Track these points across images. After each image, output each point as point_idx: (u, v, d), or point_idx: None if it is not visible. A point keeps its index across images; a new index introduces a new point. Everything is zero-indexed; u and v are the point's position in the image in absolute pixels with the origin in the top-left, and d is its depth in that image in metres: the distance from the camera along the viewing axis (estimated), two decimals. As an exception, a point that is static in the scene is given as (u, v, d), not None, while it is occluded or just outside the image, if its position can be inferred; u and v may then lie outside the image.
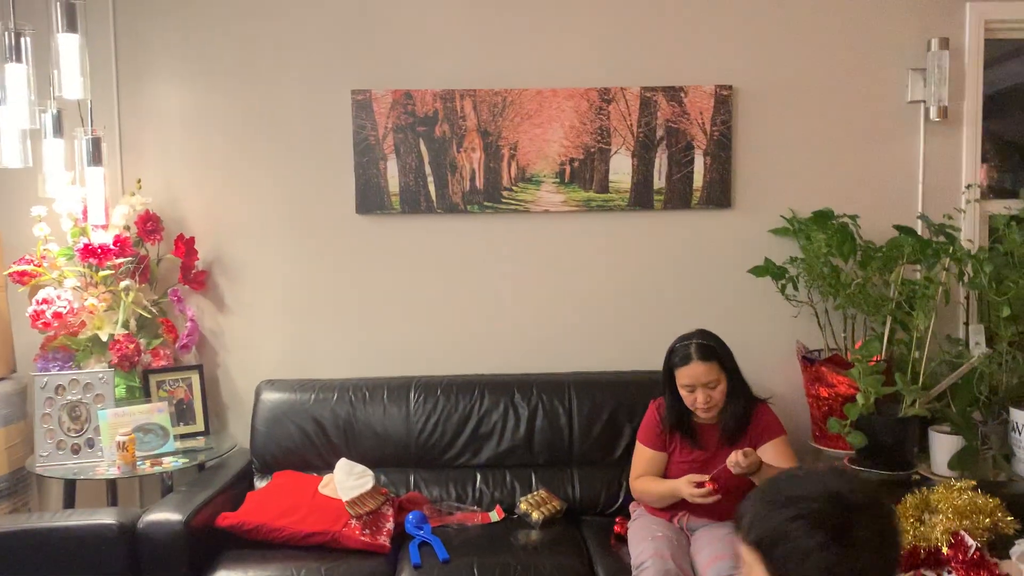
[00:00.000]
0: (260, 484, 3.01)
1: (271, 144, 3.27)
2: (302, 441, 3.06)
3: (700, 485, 2.50)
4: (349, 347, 3.32)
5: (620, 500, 3.00)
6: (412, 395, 3.13)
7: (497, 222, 3.29)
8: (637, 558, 2.52)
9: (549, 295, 3.32)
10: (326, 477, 2.89)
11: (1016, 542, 2.25)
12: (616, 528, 2.80)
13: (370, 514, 2.74)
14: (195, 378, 3.19)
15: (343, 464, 2.89)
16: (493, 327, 3.33)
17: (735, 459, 2.43)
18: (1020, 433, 2.80)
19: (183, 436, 3.10)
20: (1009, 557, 2.22)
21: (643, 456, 2.76)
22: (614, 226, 3.30)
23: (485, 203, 3.26)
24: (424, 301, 3.32)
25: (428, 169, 3.24)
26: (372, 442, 3.08)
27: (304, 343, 3.32)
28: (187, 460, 2.92)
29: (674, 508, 2.67)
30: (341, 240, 3.29)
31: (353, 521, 2.69)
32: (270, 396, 3.13)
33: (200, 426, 3.18)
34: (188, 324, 3.20)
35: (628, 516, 2.83)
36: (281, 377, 3.21)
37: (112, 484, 3.02)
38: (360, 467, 2.90)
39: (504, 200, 3.26)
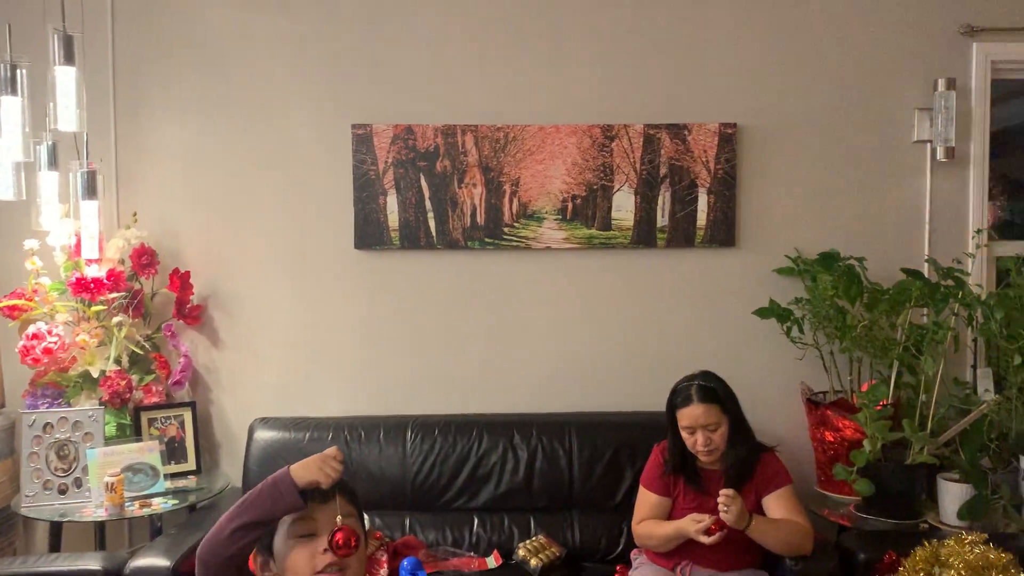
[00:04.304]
0: (252, 527, 2.93)
1: (269, 178, 3.23)
2: (296, 482, 2.98)
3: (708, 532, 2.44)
4: (345, 385, 3.25)
5: (621, 546, 2.93)
6: (409, 435, 3.06)
7: (498, 259, 3.24)
8: (639, 610, 2.45)
9: (550, 333, 3.27)
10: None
11: (1032, 603, 2.18)
12: (617, 577, 2.73)
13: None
14: (187, 415, 3.13)
15: (337, 507, 2.81)
16: (493, 366, 3.27)
17: (721, 499, 2.39)
18: (1031, 483, 2.74)
19: (174, 475, 3.03)
20: (1024, 617, 2.15)
21: (646, 501, 2.69)
22: (616, 264, 3.25)
23: (486, 239, 3.21)
24: (423, 339, 3.26)
25: (428, 204, 3.20)
26: (367, 483, 3.00)
27: (299, 380, 3.25)
28: (177, 501, 2.84)
29: (677, 556, 2.60)
30: (339, 276, 3.24)
31: (346, 568, 2.61)
32: (264, 434, 3.07)
33: (192, 465, 3.11)
34: (182, 360, 3.14)
35: (629, 564, 2.76)
36: (275, 415, 3.14)
37: (100, 526, 2.95)
38: (354, 510, 2.82)
39: (505, 236, 3.21)
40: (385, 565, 2.68)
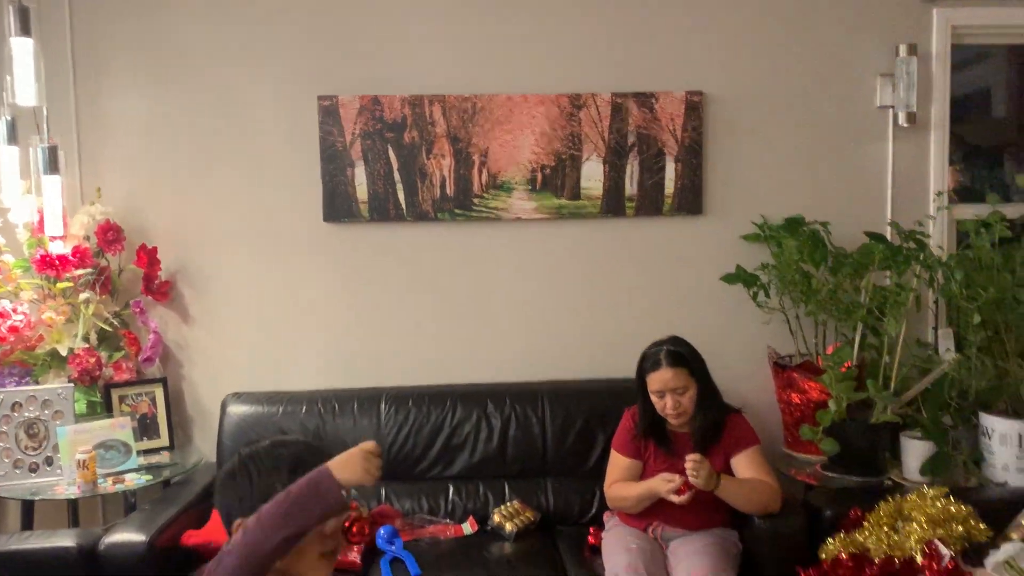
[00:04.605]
0: (227, 500, 2.93)
1: (235, 151, 3.19)
2: (270, 455, 2.99)
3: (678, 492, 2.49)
4: (318, 358, 3.25)
5: (594, 509, 2.97)
6: (383, 406, 3.08)
7: (468, 230, 3.25)
8: (611, 571, 2.50)
9: (521, 303, 3.29)
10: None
11: (991, 551, 2.26)
12: (590, 539, 2.78)
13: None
14: (159, 392, 3.11)
15: (312, 479, 2.82)
16: (466, 336, 3.29)
17: (688, 465, 2.44)
18: (990, 438, 2.82)
19: (147, 452, 3.02)
20: (983, 566, 2.23)
21: (618, 464, 2.74)
22: (586, 233, 3.28)
23: (456, 210, 3.22)
24: (394, 310, 3.26)
25: (397, 176, 3.19)
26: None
27: (271, 354, 3.25)
28: (151, 477, 2.84)
29: (649, 517, 2.65)
30: (308, 249, 3.23)
31: (323, 538, 2.63)
32: (237, 409, 3.06)
33: (165, 441, 3.10)
34: (151, 336, 3.12)
35: (602, 526, 2.81)
36: (248, 390, 3.14)
37: (73, 504, 2.93)
38: (330, 481, 2.84)
39: (475, 207, 3.22)
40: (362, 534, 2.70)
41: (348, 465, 1.46)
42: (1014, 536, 2.34)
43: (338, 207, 3.19)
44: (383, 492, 3.00)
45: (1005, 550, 2.19)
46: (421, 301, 3.27)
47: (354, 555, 2.62)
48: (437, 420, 3.07)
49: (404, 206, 3.20)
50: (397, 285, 3.26)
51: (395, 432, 3.05)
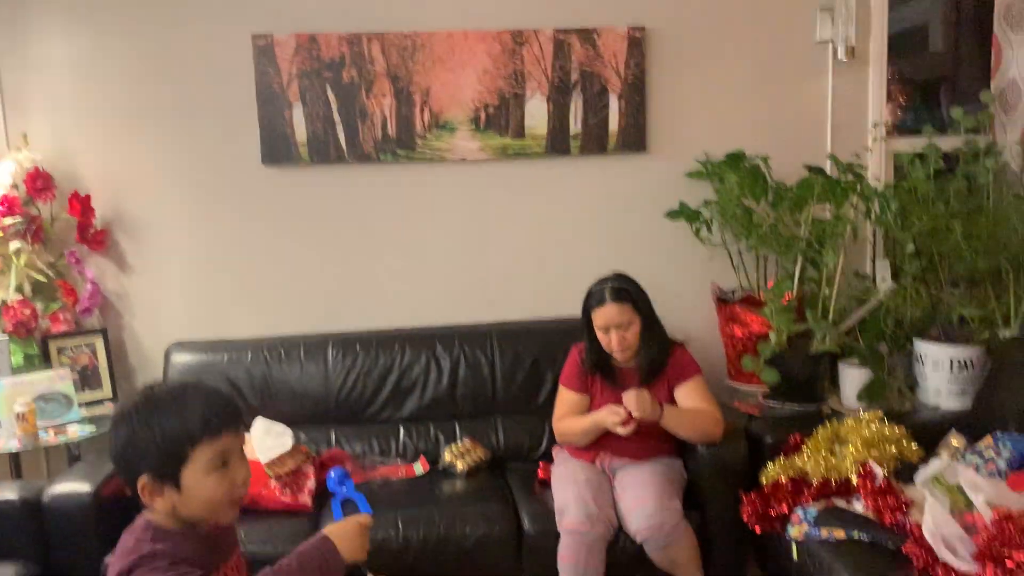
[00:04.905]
0: (174, 449, 2.91)
1: (169, 93, 3.09)
2: (217, 403, 2.96)
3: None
4: (262, 305, 3.21)
5: (544, 445, 3.02)
6: (330, 352, 3.06)
7: (411, 171, 3.21)
8: (560, 502, 2.55)
9: (467, 245, 3.28)
10: (244, 437, 2.81)
11: (920, 467, 2.35)
12: (539, 473, 2.82)
13: (290, 474, 2.68)
14: (99, 343, 3.05)
15: (261, 423, 2.81)
16: (411, 279, 3.27)
17: (629, 405, 2.51)
18: (923, 364, 2.92)
19: (89, 403, 2.97)
20: (914, 483, 2.32)
21: (566, 399, 2.78)
22: (531, 173, 3.26)
23: (398, 151, 3.17)
24: (338, 255, 3.23)
25: (337, 117, 3.12)
26: (290, 401, 3.01)
27: (214, 302, 3.20)
28: (94, 428, 2.80)
29: (596, 449, 2.70)
30: (248, 193, 3.16)
31: (273, 482, 2.63)
32: (181, 358, 3.02)
33: (108, 392, 3.05)
34: (88, 287, 3.05)
35: (552, 461, 2.85)
36: (192, 338, 3.10)
37: (15, 457, 2.88)
38: (279, 426, 2.83)
39: (418, 148, 3.17)
40: (312, 477, 2.70)
41: (348, 542, 1.55)
42: (943, 454, 2.44)
43: (277, 150, 3.12)
44: (332, 436, 3.00)
45: (933, 466, 2.28)
46: (365, 244, 3.23)
47: (305, 498, 2.63)
48: (386, 363, 3.07)
49: (345, 148, 3.14)
50: (340, 228, 3.21)
51: (343, 376, 3.04)
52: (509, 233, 3.28)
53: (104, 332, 3.07)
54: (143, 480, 1.39)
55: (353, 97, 3.12)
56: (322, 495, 2.70)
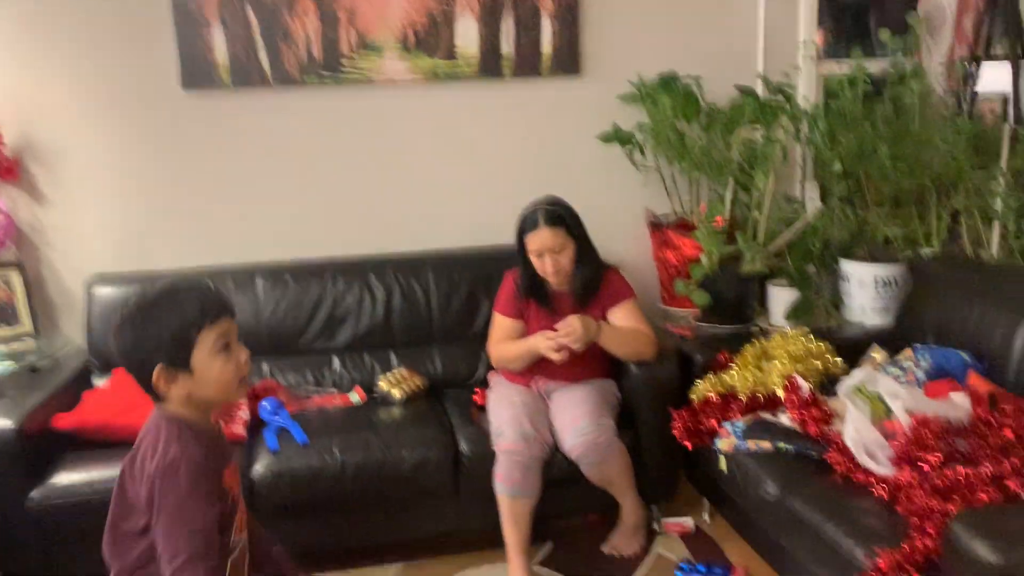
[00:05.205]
0: (100, 383, 2.84)
1: (78, 11, 2.91)
2: (143, 336, 2.89)
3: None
4: (186, 235, 3.11)
5: (480, 371, 3.02)
6: (258, 282, 3.00)
7: (338, 94, 3.10)
8: (496, 424, 2.57)
9: (399, 171, 3.21)
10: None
11: (841, 379, 2.42)
12: (475, 398, 2.84)
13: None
14: (15, 277, 2.93)
15: (189, 356, 2.75)
16: (342, 207, 3.20)
17: (564, 337, 2.52)
18: (848, 282, 2.99)
19: (8, 339, 2.86)
20: (837, 396, 2.40)
21: (501, 325, 2.78)
22: (463, 96, 3.19)
23: (323, 73, 3.06)
24: (264, 183, 3.13)
25: (259, 38, 2.99)
26: (220, 332, 2.95)
27: (136, 233, 3.08)
28: (14, 364, 2.71)
29: (531, 373, 2.72)
30: (168, 119, 3.03)
31: (203, 413, 2.59)
32: (104, 291, 2.92)
33: (28, 327, 2.94)
34: (1, 218, 2.90)
35: (488, 387, 2.86)
36: (114, 270, 2.99)
37: (-72, 396, 2.76)
38: (209, 358, 2.78)
39: (344, 70, 3.07)
40: (244, 407, 2.67)
41: None
42: (866, 367, 2.51)
43: (197, 73, 2.98)
44: (264, 367, 2.95)
45: (855, 376, 2.36)
46: (293, 171, 3.14)
47: (238, 428, 2.60)
48: (318, 294, 3.02)
49: (268, 71, 3.02)
50: (267, 155, 3.11)
51: (273, 307, 2.99)
52: (441, 159, 3.23)
53: (20, 265, 2.94)
54: (158, 370, 1.50)
55: (275, 17, 2.99)
56: (257, 426, 2.67)
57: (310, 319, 3.01)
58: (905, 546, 1.77)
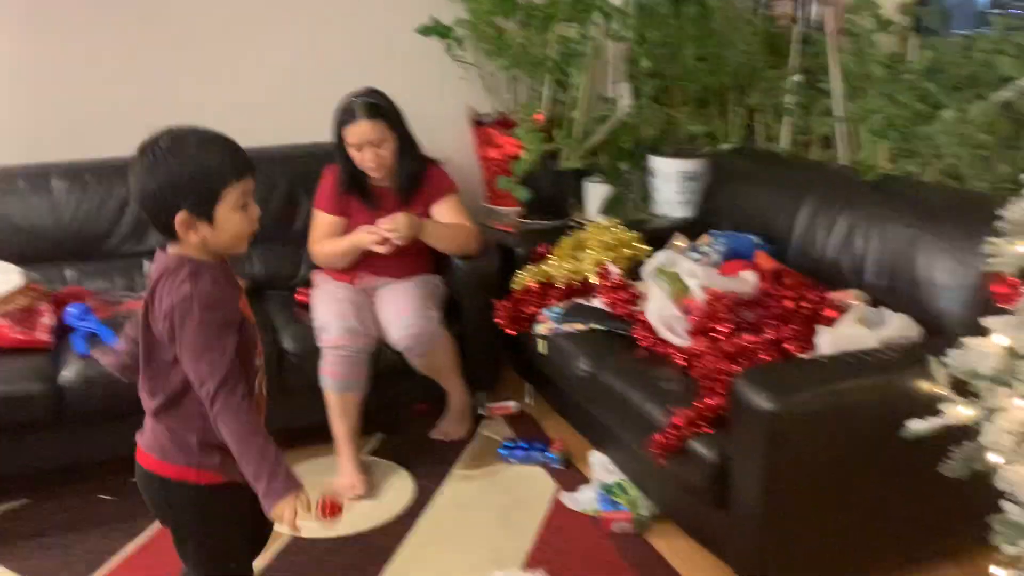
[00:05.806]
0: None
1: None
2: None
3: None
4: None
5: (302, 271, 2.98)
6: (55, 183, 2.81)
7: (137, -21, 2.88)
8: (321, 320, 2.57)
9: (206, 66, 3.04)
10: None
11: (644, 262, 2.61)
12: (298, 297, 2.81)
13: (22, 311, 2.48)
14: None
15: (-18, 263, 2.55)
16: (149, 104, 2.98)
17: (388, 232, 2.55)
18: (656, 177, 3.17)
19: None
20: (641, 278, 2.57)
21: (322, 222, 2.75)
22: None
23: (117, -45, 2.82)
24: (57, 74, 2.88)
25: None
26: (14, 237, 2.75)
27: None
28: None
29: (355, 270, 2.72)
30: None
31: (0, 319, 2.42)
32: None
33: None
34: None
35: (311, 286, 2.84)
36: None
37: None
38: (4, 264, 2.59)
39: (140, -49, 2.84)
40: (47, 314, 2.51)
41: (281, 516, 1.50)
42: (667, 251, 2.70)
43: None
44: (68, 274, 2.79)
45: (658, 258, 2.54)
46: (89, 62, 2.91)
47: (41, 334, 2.46)
48: (122, 195, 2.85)
49: (51, -52, 2.74)
50: (57, 43, 2.85)
51: (73, 209, 2.81)
52: (253, 52, 3.09)
53: None
54: (182, 215, 1.51)
55: None
56: (64, 333, 2.53)
57: (115, 221, 2.86)
58: (697, 404, 1.97)
